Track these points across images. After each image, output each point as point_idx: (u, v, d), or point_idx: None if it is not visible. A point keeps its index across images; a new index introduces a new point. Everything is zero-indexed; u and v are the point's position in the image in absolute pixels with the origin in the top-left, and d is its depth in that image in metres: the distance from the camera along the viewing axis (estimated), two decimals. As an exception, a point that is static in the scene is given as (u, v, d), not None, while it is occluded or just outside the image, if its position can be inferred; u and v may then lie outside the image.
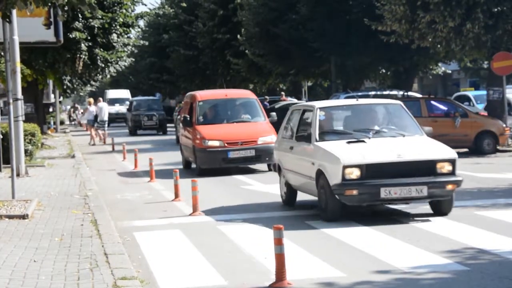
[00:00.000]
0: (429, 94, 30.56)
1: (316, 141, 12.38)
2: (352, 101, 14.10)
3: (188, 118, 20.81)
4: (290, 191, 13.80)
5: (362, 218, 12.07)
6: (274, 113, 21.95)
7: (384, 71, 38.25)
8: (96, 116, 36.58)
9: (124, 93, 69.54)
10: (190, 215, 13.20)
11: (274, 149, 14.90)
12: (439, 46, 25.52)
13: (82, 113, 46.40)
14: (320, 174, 11.93)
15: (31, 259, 9.26)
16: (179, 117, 27.99)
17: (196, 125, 20.45)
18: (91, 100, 40.49)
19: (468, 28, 23.28)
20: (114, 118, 62.93)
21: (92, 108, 37.56)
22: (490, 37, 23.70)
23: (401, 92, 29.30)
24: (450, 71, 52.07)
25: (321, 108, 13.01)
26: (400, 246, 9.95)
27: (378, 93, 30.60)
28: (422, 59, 34.92)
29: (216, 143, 19.66)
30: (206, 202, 14.16)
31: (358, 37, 33.20)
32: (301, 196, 13.82)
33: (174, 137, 35.59)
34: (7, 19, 13.36)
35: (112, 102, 64.46)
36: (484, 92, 30.82)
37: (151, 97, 54.96)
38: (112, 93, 69.39)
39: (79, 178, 18.86)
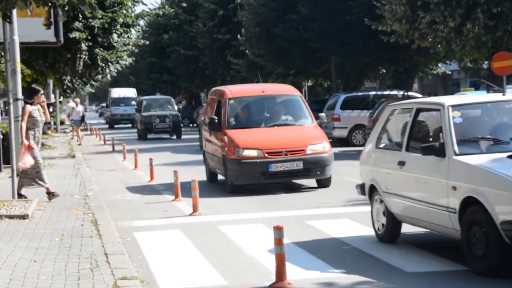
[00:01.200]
0: (429, 94, 30.58)
1: (455, 154, 8.67)
2: (498, 97, 10.17)
3: (216, 120, 16.95)
4: (393, 223, 10.08)
5: (362, 218, 12.06)
6: (323, 114, 18.77)
7: (384, 71, 38.27)
8: (83, 116, 37.81)
9: (130, 92, 64.82)
10: (190, 215, 13.21)
11: (361, 164, 11.00)
12: (439, 46, 25.54)
13: (69, 114, 44.84)
14: (469, 204, 8.30)
15: (31, 259, 9.26)
16: (202, 119, 26.20)
17: (227, 129, 16.59)
18: (78, 100, 41.64)
19: (468, 28, 23.30)
20: (119, 120, 60.11)
21: (79, 108, 38.19)
22: (490, 37, 23.72)
23: (401, 92, 29.31)
24: (450, 71, 52.06)
25: (454, 107, 9.20)
26: (400, 246, 9.94)
27: (379, 93, 30.61)
28: (422, 59, 34.94)
29: (253, 153, 15.77)
30: (206, 202, 14.17)
31: (358, 37, 33.22)
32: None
33: (191, 142, 33.11)
34: (8, 19, 13.36)
35: (116, 102, 61.15)
36: (484, 92, 30.82)
37: (163, 96, 49.84)
38: (116, 92, 64.34)
39: (79, 178, 18.86)
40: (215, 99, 18.04)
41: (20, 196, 14.32)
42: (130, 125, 58.01)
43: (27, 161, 14.03)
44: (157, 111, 40.64)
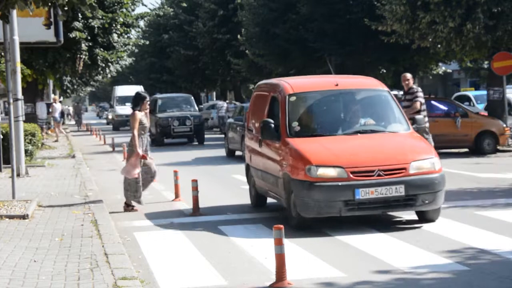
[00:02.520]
0: (430, 94, 30.57)
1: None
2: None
3: (272, 125, 12.22)
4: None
5: (362, 218, 12.05)
6: (420, 117, 13.70)
7: (384, 71, 38.26)
8: (62, 113, 37.47)
9: (136, 89, 60.54)
10: (190, 215, 13.21)
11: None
12: (439, 46, 25.52)
13: (50, 112, 43.85)
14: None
15: (31, 259, 9.26)
16: (240, 123, 23.57)
17: (289, 137, 11.95)
18: (56, 97, 40.83)
19: (468, 28, 23.29)
20: (125, 121, 51.40)
21: (58, 105, 38.09)
22: (490, 37, 23.71)
23: (401, 92, 29.30)
24: (450, 71, 52.07)
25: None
26: (400, 246, 9.95)
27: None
28: (422, 59, 34.95)
29: (332, 173, 11.05)
30: (206, 202, 14.16)
31: (358, 37, 33.24)
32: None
33: (215, 148, 29.20)
34: (6, 20, 13.36)
35: (122, 100, 54.91)
36: (484, 92, 30.83)
37: (181, 94, 41.88)
38: (121, 90, 58.02)
39: (79, 178, 18.86)
40: (266, 96, 13.22)
41: (128, 206, 14.06)
42: None
43: (132, 172, 13.75)
44: (175, 111, 34.51)
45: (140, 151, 13.84)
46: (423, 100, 17.30)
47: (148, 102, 14.42)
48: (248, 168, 14.13)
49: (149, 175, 14.22)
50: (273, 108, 12.77)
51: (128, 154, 14.21)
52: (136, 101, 14.25)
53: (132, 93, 51.88)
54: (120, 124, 55.03)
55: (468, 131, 23.41)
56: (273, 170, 12.17)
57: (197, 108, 36.52)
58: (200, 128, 33.67)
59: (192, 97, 37.61)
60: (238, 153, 24.89)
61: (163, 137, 33.86)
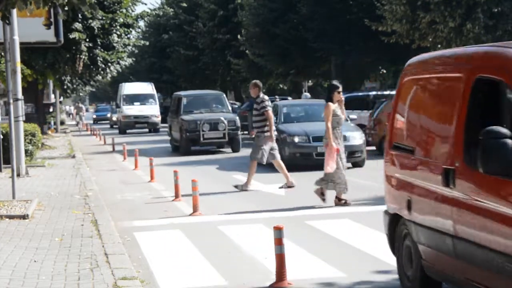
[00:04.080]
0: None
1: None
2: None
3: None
4: None
5: (362, 218, 12.07)
6: None
7: (384, 71, 38.28)
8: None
9: (147, 88, 50.83)
10: (190, 215, 13.21)
11: None
12: (439, 46, 25.54)
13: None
14: None
15: (31, 259, 9.26)
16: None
17: None
18: None
19: (468, 28, 23.32)
20: (133, 123, 47.08)
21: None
22: (490, 37, 23.73)
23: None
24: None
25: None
26: (400, 246, 9.94)
27: (379, 93, 30.61)
28: (423, 59, 34.89)
29: None
30: (206, 202, 14.16)
31: (359, 37, 33.25)
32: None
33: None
34: (6, 20, 13.37)
35: (130, 99, 48.29)
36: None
37: (210, 91, 34.91)
38: (129, 88, 50.53)
39: (79, 178, 18.86)
40: (456, 81, 6.57)
41: (340, 200, 13.64)
42: (147, 130, 47.88)
43: (333, 165, 13.41)
44: (204, 113, 27.94)
45: (334, 144, 13.46)
46: (270, 108, 16.82)
47: (340, 92, 13.76)
48: (397, 222, 7.69)
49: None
50: (488, 106, 6.20)
51: (325, 147, 13.69)
52: (329, 91, 13.82)
53: (141, 91, 45.74)
54: (128, 126, 47.69)
55: (468, 131, 23.38)
56: (504, 244, 5.63)
57: (230, 109, 29.77)
58: (236, 133, 27.34)
59: (224, 95, 30.95)
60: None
61: (190, 144, 27.27)
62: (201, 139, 26.95)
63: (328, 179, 13.62)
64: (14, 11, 15.26)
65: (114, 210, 13.97)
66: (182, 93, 31.10)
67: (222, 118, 27.22)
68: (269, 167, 20.31)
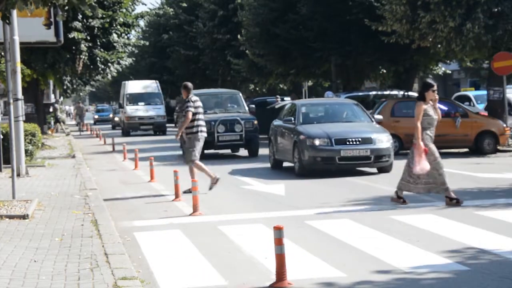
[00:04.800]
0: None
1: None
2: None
3: None
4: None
5: (362, 218, 12.07)
6: None
7: (384, 71, 38.26)
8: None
9: (152, 86, 47.76)
10: (190, 215, 13.21)
11: None
12: (439, 46, 25.54)
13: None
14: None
15: (31, 259, 9.26)
16: (292, 126, 19.66)
17: None
18: None
19: (468, 28, 23.30)
20: (138, 125, 44.33)
21: None
22: (490, 37, 23.72)
23: (401, 92, 29.30)
24: (450, 71, 52.07)
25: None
26: (400, 246, 9.95)
27: (379, 93, 30.60)
28: (423, 59, 34.91)
29: None
30: (206, 202, 14.17)
31: (359, 37, 33.22)
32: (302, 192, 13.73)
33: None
34: (7, 20, 13.37)
35: (134, 99, 45.37)
36: (484, 92, 30.84)
37: (225, 90, 32.36)
38: (133, 86, 47.05)
39: (79, 178, 18.86)
40: None
41: (399, 198, 13.30)
42: (152, 132, 44.91)
43: (424, 167, 12.82)
44: (219, 113, 25.91)
45: (422, 144, 12.84)
46: (193, 109, 16.45)
47: (435, 91, 13.17)
48: None
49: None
50: None
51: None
52: (422, 90, 13.25)
53: (146, 90, 41.83)
54: (132, 128, 44.89)
55: (468, 131, 23.42)
56: None
57: (247, 108, 27.24)
58: (254, 135, 25.10)
59: (240, 94, 28.29)
60: (286, 164, 20.63)
61: (204, 147, 24.70)
62: (216, 141, 24.72)
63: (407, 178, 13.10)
64: (14, 11, 15.26)
65: (114, 210, 13.97)
66: (194, 91, 28.45)
67: (239, 119, 25.11)
68: (269, 167, 20.28)
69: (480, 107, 30.28)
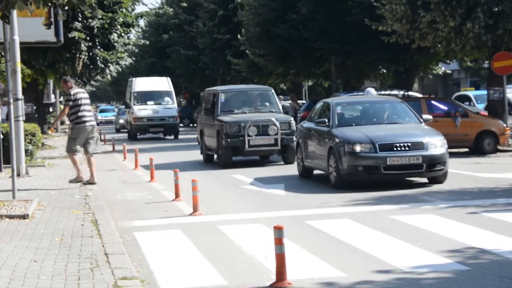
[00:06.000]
0: (430, 94, 30.53)
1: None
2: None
3: None
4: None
5: (362, 218, 12.07)
6: None
7: (384, 71, 38.26)
8: (7, 115, 36.16)
9: (162, 83, 42.27)
10: (190, 215, 13.20)
11: None
12: (439, 45, 25.53)
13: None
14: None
15: (31, 259, 9.26)
16: (325, 128, 16.88)
17: None
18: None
19: (468, 27, 23.29)
20: (147, 127, 39.75)
21: (4, 108, 37.40)
22: (490, 36, 23.71)
23: (401, 92, 29.30)
24: (450, 71, 52.09)
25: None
26: (400, 246, 9.95)
27: (379, 93, 30.60)
28: (423, 59, 34.93)
29: None
30: (206, 202, 14.17)
31: (359, 37, 33.23)
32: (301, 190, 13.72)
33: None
34: (6, 20, 13.37)
35: (142, 98, 40.58)
36: (484, 92, 30.84)
37: (255, 86, 29.99)
38: (142, 84, 41.77)
39: (79, 178, 18.84)
40: None
41: None
42: (161, 135, 41.10)
43: None
44: (248, 113, 22.38)
45: None
46: (71, 103, 17.27)
47: None
48: None
49: None
50: None
51: None
52: None
53: (156, 87, 37.46)
54: (140, 131, 40.42)
55: (468, 131, 23.42)
56: None
57: (281, 108, 23.52)
58: (291, 139, 21.22)
59: (273, 91, 24.23)
60: (317, 171, 17.94)
61: (231, 153, 21.55)
62: (247, 146, 21.26)
63: None
64: (14, 11, 15.27)
65: (114, 210, 13.97)
66: (218, 88, 24.53)
67: (273, 119, 21.50)
68: (269, 168, 20.05)
69: (480, 107, 30.28)
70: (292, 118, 22.68)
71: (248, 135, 21.24)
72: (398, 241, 10.22)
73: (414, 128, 16.56)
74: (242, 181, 18.18)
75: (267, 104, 23.14)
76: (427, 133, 16.08)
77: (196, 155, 25.25)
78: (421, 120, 17.15)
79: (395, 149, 15.47)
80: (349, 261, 9.17)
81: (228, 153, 21.47)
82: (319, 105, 18.86)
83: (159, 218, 13.01)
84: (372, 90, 23.46)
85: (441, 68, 42.92)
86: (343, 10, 33.88)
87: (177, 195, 15.11)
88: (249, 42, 41.29)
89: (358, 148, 15.56)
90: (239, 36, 42.88)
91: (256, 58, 40.77)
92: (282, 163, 21.94)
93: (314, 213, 12.86)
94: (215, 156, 22.81)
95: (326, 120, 16.91)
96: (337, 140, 16.04)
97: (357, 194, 14.88)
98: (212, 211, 13.46)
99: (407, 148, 15.49)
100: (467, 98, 32.82)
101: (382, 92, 30.29)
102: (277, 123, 21.36)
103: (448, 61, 36.98)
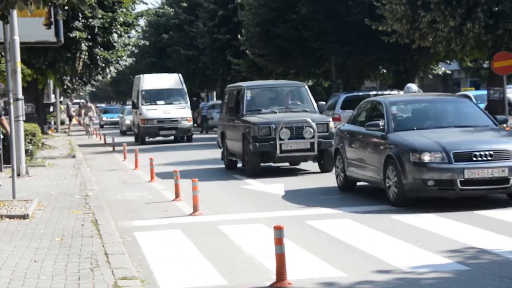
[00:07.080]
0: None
1: None
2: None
3: None
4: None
5: (362, 218, 12.07)
6: None
7: (384, 71, 38.29)
8: None
9: (174, 81, 37.49)
10: (190, 215, 13.21)
11: None
12: (439, 45, 25.53)
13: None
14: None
15: (31, 259, 9.26)
16: (377, 132, 13.98)
17: None
18: None
19: (468, 27, 23.30)
20: (157, 130, 35.25)
21: None
22: (490, 36, 23.72)
23: (401, 92, 29.27)
24: (450, 71, 52.09)
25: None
26: (400, 246, 9.95)
27: (379, 93, 30.60)
28: (423, 59, 34.96)
29: None
30: (206, 202, 14.17)
31: (359, 37, 33.25)
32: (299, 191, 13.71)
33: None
34: (5, 20, 13.38)
35: (151, 97, 36.24)
36: (484, 92, 30.83)
37: (285, 81, 25.44)
38: (150, 81, 37.18)
39: (79, 178, 18.86)
40: None
41: None
42: (172, 138, 36.47)
43: None
44: (279, 112, 19.70)
45: None
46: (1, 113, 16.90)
47: None
48: None
49: None
50: None
51: None
52: None
53: (167, 85, 33.72)
54: (149, 133, 35.91)
55: (468, 131, 23.38)
56: None
57: (316, 107, 20.28)
58: (329, 143, 18.26)
59: (307, 87, 21.20)
60: (360, 183, 15.39)
61: (260, 159, 18.98)
62: (278, 151, 18.54)
63: None
64: (14, 11, 15.28)
65: (114, 210, 13.97)
66: (243, 84, 21.44)
67: (309, 120, 18.72)
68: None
69: (480, 107, 30.25)
70: (330, 119, 19.72)
71: (280, 139, 18.46)
72: (398, 241, 10.23)
73: (492, 133, 13.65)
74: (242, 181, 18.17)
75: (300, 102, 20.32)
76: (503, 140, 13.13)
77: (197, 155, 25.25)
78: (496, 122, 14.24)
79: (474, 159, 12.49)
80: (349, 261, 9.17)
81: (256, 159, 18.82)
82: (365, 104, 15.84)
83: (159, 218, 13.01)
84: (413, 86, 20.84)
85: (441, 68, 42.91)
86: (343, 10, 33.90)
87: (177, 195, 15.11)
88: (249, 42, 41.30)
89: (427, 157, 12.61)
90: (239, 36, 42.88)
91: (256, 58, 40.78)
92: (317, 171, 19.30)
93: (314, 213, 12.86)
94: (239, 162, 20.34)
95: (380, 123, 13.94)
96: (397, 147, 13.15)
97: (358, 194, 14.88)
98: (212, 211, 13.46)
99: (489, 158, 12.49)
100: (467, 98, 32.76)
101: (383, 92, 30.32)
102: (314, 125, 18.59)
103: (448, 61, 36.98)
